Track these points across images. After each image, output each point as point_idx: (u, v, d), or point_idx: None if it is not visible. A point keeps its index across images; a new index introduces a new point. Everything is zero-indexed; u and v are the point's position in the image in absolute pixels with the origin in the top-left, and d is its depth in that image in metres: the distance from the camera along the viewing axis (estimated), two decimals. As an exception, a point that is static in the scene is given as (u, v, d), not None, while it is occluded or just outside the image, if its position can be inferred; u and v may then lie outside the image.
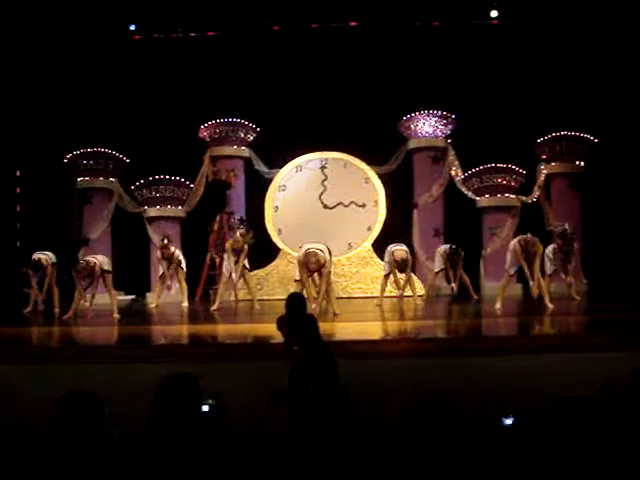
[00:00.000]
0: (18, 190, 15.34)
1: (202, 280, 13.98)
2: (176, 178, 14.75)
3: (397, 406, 3.07)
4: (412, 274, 12.74)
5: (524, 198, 14.34)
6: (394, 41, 14.94)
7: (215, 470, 2.83)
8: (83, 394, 3.01)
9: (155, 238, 14.31)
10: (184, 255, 12.61)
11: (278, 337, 6.02)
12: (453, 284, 12.49)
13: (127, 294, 14.61)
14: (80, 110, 14.63)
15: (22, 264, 12.48)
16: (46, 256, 12.18)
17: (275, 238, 14.45)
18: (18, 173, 15.33)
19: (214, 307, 11.50)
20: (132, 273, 14.28)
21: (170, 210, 14.58)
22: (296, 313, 5.86)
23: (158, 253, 12.35)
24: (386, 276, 12.21)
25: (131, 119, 14.89)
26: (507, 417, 4.05)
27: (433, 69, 14.57)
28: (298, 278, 10.77)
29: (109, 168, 14.73)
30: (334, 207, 14.55)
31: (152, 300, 12.78)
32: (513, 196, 14.36)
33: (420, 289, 13.06)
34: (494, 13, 15.23)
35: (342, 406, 2.99)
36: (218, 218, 14.24)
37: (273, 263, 14.21)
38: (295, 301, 5.96)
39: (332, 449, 2.85)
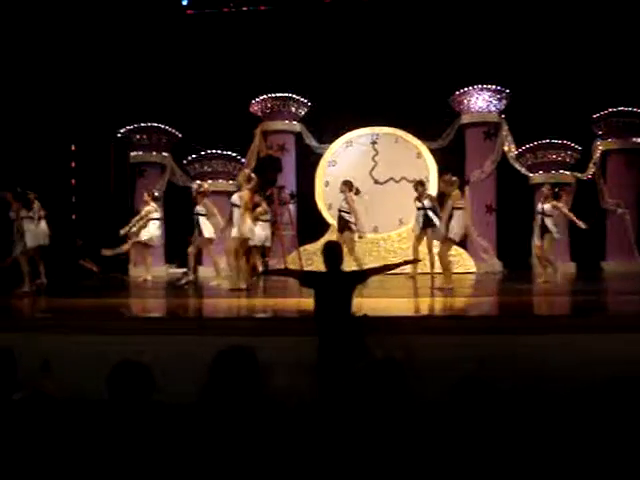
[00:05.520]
0: (73, 164, 15.60)
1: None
2: (227, 153, 14.87)
3: (444, 383, 3.06)
4: (464, 251, 12.65)
5: (579, 175, 14.09)
6: (447, 14, 14.71)
7: (265, 440, 2.86)
8: (132, 364, 3.06)
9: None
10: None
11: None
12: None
13: (179, 267, 14.80)
14: (134, 85, 14.79)
15: (78, 237, 12.73)
16: None
17: (325, 213, 14.47)
18: (73, 148, 15.58)
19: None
20: (185, 247, 14.43)
21: (221, 184, 14.69)
22: (334, 261, 5.74)
23: None
24: None
25: (184, 94, 15.00)
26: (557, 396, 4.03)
27: (487, 43, 14.31)
28: None
29: (162, 142, 14.95)
30: (385, 182, 14.49)
31: None
32: (567, 172, 14.10)
33: (472, 266, 12.96)
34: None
35: (396, 381, 2.98)
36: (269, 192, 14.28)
37: (323, 238, 14.21)
38: (332, 248, 5.89)
39: (385, 423, 2.85)
